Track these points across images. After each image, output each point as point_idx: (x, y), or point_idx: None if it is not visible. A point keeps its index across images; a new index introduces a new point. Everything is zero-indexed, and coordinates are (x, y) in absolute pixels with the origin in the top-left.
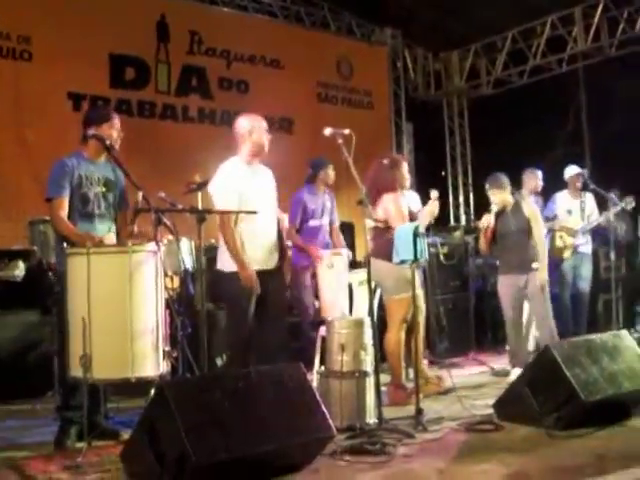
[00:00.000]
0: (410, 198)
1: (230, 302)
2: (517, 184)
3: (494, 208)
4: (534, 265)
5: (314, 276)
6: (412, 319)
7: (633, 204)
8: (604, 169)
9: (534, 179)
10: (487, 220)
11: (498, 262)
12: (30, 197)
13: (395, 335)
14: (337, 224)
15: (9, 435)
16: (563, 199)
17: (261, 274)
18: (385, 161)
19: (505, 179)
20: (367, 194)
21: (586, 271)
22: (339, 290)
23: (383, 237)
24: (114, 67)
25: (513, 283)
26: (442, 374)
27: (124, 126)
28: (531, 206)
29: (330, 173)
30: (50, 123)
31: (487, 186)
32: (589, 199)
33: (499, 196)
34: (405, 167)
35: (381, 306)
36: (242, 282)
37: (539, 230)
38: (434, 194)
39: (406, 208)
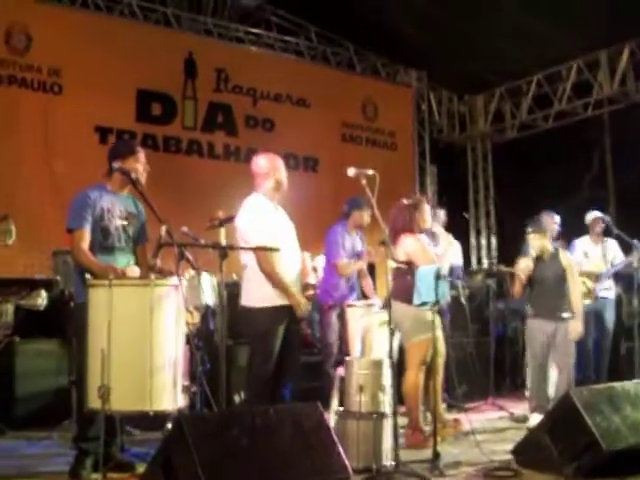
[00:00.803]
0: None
1: (257, 338)
2: None
3: (533, 253)
4: (564, 315)
5: (340, 316)
6: (431, 362)
7: None
8: (629, 214)
9: (551, 223)
10: (527, 265)
11: (529, 306)
12: (55, 228)
13: (413, 377)
14: (365, 266)
15: (25, 463)
16: (583, 244)
17: (289, 309)
18: (405, 201)
19: (546, 224)
20: (389, 235)
21: (609, 317)
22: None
23: (402, 279)
24: (141, 102)
25: (542, 329)
26: (460, 417)
27: (149, 160)
28: (568, 257)
29: (363, 215)
30: (77, 156)
31: (529, 229)
32: (612, 245)
33: (539, 241)
34: (426, 209)
35: (400, 348)
36: (296, 309)
37: (575, 282)
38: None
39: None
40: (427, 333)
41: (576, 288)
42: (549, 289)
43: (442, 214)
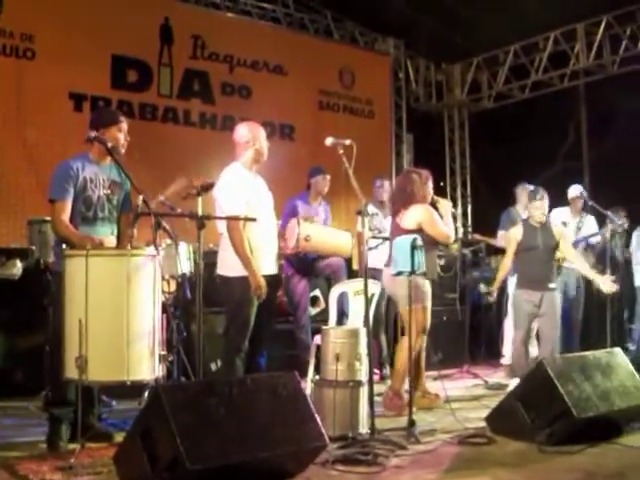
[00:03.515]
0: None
1: (234, 307)
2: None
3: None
4: (551, 285)
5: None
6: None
7: (626, 224)
8: (603, 185)
9: (525, 194)
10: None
11: (515, 275)
12: (30, 196)
13: (408, 344)
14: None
15: (2, 434)
16: (562, 214)
17: (266, 278)
18: (415, 176)
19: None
20: (391, 203)
21: (576, 286)
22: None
23: None
24: (116, 68)
25: (529, 299)
26: (437, 388)
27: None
28: (559, 227)
29: (321, 181)
30: (51, 123)
31: (537, 196)
32: (589, 220)
33: (542, 210)
34: (430, 183)
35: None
36: (252, 289)
37: (570, 248)
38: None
39: None
40: (425, 301)
41: (572, 252)
42: (538, 259)
43: (387, 185)
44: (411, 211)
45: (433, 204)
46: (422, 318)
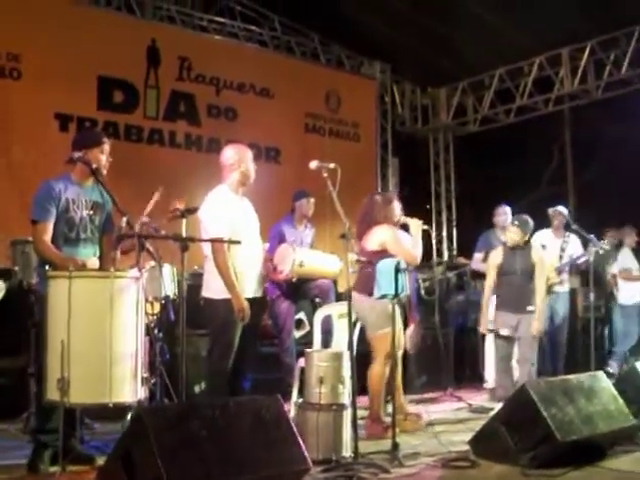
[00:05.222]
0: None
1: (218, 330)
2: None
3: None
4: (529, 308)
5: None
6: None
7: (608, 246)
8: (588, 209)
9: (503, 215)
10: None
11: (496, 297)
12: (14, 217)
13: (378, 369)
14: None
15: None
16: (542, 236)
17: (250, 301)
18: (377, 197)
19: (531, 226)
20: (357, 227)
21: (563, 310)
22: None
23: (364, 271)
24: (102, 89)
25: (507, 321)
26: (420, 411)
27: (110, 149)
28: (540, 252)
29: (305, 204)
30: (36, 143)
31: (515, 222)
32: (573, 240)
33: (517, 236)
34: (396, 204)
35: (362, 340)
36: (235, 312)
37: (542, 278)
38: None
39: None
40: (391, 326)
41: (542, 285)
42: (516, 282)
43: None
44: (373, 232)
45: (404, 225)
46: (388, 344)
